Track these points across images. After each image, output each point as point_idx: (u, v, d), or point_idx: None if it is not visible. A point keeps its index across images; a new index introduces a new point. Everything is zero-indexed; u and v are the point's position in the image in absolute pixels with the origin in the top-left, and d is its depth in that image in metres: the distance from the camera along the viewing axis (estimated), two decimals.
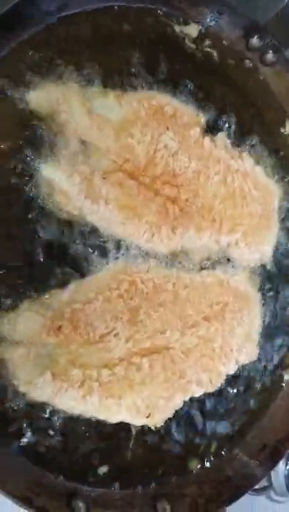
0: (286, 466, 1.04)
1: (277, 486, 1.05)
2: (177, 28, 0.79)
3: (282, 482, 1.05)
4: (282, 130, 0.86)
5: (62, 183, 0.69)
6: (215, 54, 0.81)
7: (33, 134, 0.69)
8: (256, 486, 1.03)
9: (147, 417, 0.73)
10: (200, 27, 0.80)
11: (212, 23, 0.80)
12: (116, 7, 0.75)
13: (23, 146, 0.69)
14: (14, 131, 0.69)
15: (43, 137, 0.70)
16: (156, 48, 0.77)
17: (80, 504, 0.67)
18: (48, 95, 0.69)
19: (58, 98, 0.69)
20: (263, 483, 1.05)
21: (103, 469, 0.72)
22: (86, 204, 0.70)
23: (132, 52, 0.75)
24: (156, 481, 0.75)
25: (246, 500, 1.04)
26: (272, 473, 1.04)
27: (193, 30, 0.80)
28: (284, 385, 0.85)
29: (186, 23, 0.79)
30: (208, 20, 0.80)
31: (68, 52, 0.72)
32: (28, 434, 0.68)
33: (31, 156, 0.69)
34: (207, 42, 0.81)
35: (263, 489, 1.06)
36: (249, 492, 1.02)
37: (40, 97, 0.69)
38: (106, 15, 0.74)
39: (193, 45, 0.80)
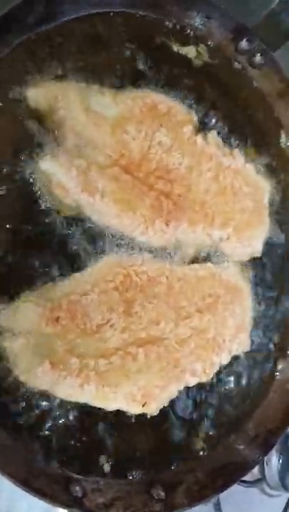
0: (279, 460, 1.06)
1: (271, 479, 1.07)
2: (175, 48, 0.82)
3: (275, 476, 1.07)
4: (272, 129, 0.88)
5: (60, 177, 0.71)
6: (205, 56, 0.84)
7: (31, 130, 0.72)
8: (250, 479, 1.05)
9: (143, 406, 0.74)
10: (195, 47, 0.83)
11: (202, 27, 0.83)
12: (112, 13, 0.78)
13: (22, 141, 0.71)
14: (13, 127, 0.72)
15: (41, 133, 0.72)
16: (149, 50, 0.80)
17: (78, 489, 0.69)
18: (47, 92, 0.71)
19: (56, 95, 0.71)
20: (257, 475, 1.07)
21: (100, 457, 0.74)
22: (83, 197, 0.72)
23: (127, 54, 0.79)
24: (152, 468, 0.77)
25: (240, 493, 1.06)
26: (266, 467, 1.06)
27: (191, 50, 0.83)
28: (277, 374, 0.86)
29: (184, 44, 0.82)
30: (197, 23, 0.83)
31: (67, 53, 0.74)
32: (27, 421, 0.70)
33: (30, 150, 0.72)
34: (197, 45, 0.83)
35: (257, 481, 1.07)
36: (243, 484, 1.04)
37: (39, 94, 0.71)
38: (101, 19, 0.78)
39: (183, 48, 0.83)
